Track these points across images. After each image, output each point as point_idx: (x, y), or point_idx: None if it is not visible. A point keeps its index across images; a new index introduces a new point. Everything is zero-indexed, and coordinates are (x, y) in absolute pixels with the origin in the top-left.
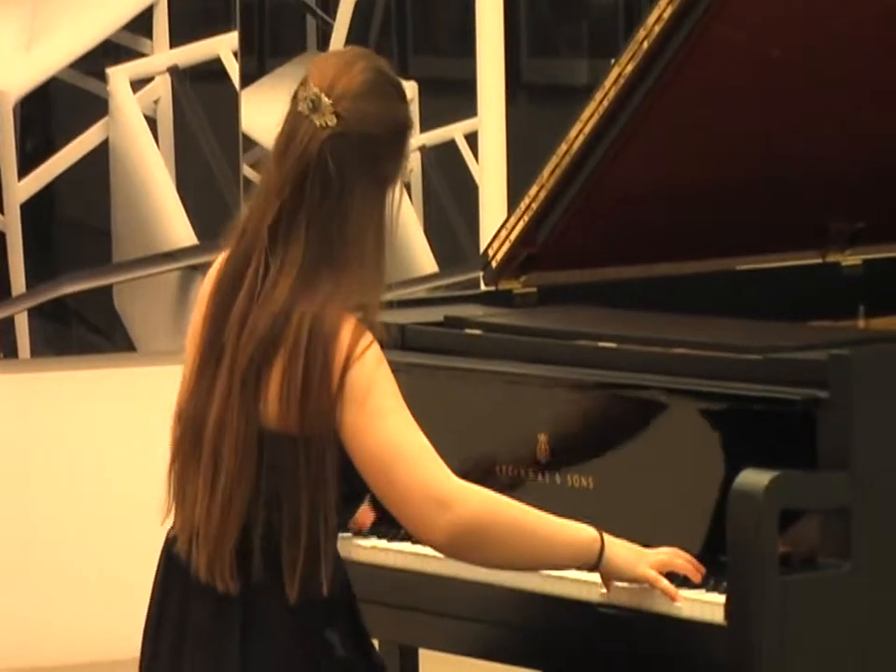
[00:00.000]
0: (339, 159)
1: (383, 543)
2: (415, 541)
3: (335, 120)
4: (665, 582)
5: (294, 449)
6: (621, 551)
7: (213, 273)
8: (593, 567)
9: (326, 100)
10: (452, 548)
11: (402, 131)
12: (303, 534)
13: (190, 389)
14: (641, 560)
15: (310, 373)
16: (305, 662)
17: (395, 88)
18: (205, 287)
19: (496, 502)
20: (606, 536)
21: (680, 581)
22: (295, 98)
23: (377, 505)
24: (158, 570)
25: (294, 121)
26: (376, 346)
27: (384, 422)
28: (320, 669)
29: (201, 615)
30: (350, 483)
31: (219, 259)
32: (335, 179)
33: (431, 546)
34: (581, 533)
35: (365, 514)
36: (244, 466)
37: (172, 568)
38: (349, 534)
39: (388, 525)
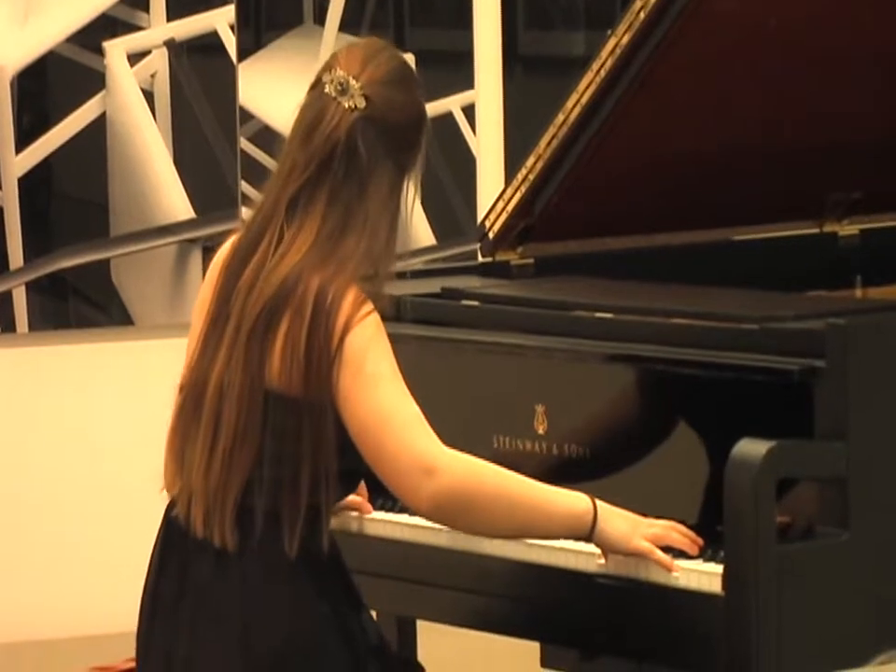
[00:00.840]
0: (367, 139)
1: (379, 515)
2: (412, 513)
3: (364, 103)
4: (659, 554)
5: (297, 411)
6: (616, 522)
7: (225, 248)
8: (586, 538)
9: (354, 83)
10: (437, 514)
11: (423, 123)
12: (304, 494)
13: (195, 358)
14: (636, 532)
15: (312, 337)
16: (302, 617)
17: (416, 81)
18: (216, 262)
19: (482, 469)
20: (601, 505)
21: (678, 551)
22: (318, 82)
23: (372, 484)
24: (157, 536)
25: (320, 103)
26: (376, 315)
27: (376, 388)
28: (316, 625)
29: (199, 573)
30: (346, 458)
31: (232, 238)
32: (362, 158)
33: (417, 512)
34: (573, 502)
35: (365, 504)
36: (247, 423)
37: (171, 532)
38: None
39: (384, 497)
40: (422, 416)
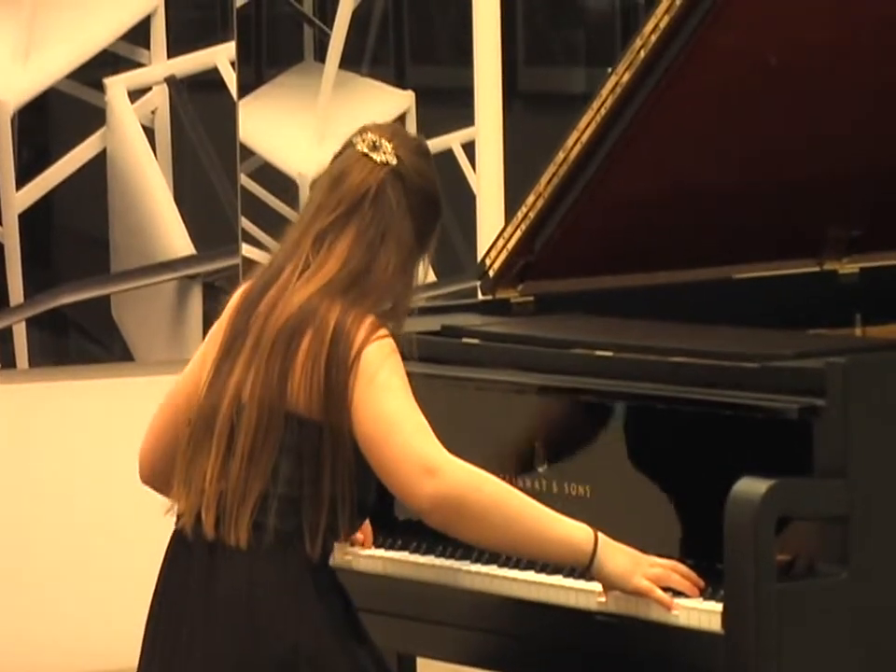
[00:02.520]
0: (396, 191)
1: (380, 552)
2: (412, 550)
3: (395, 161)
4: (659, 593)
5: (319, 435)
6: (617, 558)
7: (242, 288)
8: (585, 570)
9: (387, 144)
10: (435, 515)
11: (441, 204)
12: (324, 513)
13: (205, 389)
14: (637, 571)
15: (332, 356)
16: (308, 625)
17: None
18: (232, 302)
19: (483, 478)
20: (603, 538)
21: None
22: (350, 143)
23: (376, 521)
24: (164, 557)
25: (351, 158)
26: (391, 340)
27: (387, 395)
28: (322, 636)
29: (206, 575)
30: (359, 487)
31: (245, 284)
32: (391, 206)
33: (417, 512)
34: (573, 530)
35: (367, 534)
36: (267, 434)
37: (177, 547)
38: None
39: (385, 535)
40: (429, 428)
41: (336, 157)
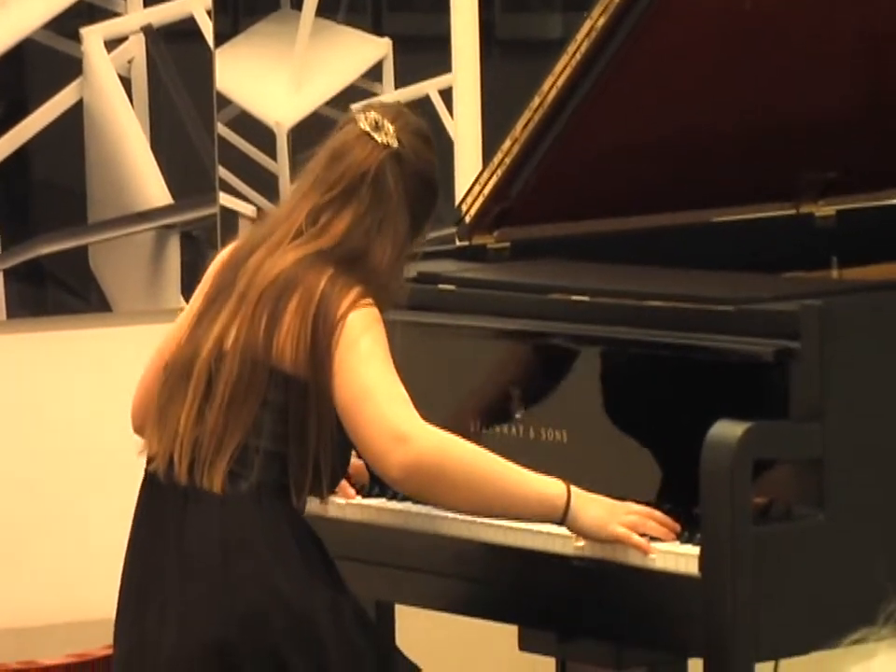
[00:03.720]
0: (395, 175)
1: (357, 499)
2: (390, 497)
3: (397, 144)
4: (636, 539)
5: (305, 393)
6: (591, 509)
7: (229, 247)
8: (560, 523)
9: (389, 125)
10: (406, 483)
11: (438, 190)
12: (310, 469)
13: (185, 336)
14: (613, 519)
15: (318, 319)
16: (285, 571)
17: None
18: (218, 258)
19: (454, 444)
20: (576, 491)
21: None
22: (351, 120)
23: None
24: (137, 502)
25: (352, 134)
26: (377, 311)
27: (367, 363)
28: (299, 583)
29: (179, 520)
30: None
31: (232, 244)
32: (390, 191)
33: (388, 480)
34: (545, 487)
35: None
36: (249, 384)
37: (150, 491)
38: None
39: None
40: (406, 396)
41: (338, 129)
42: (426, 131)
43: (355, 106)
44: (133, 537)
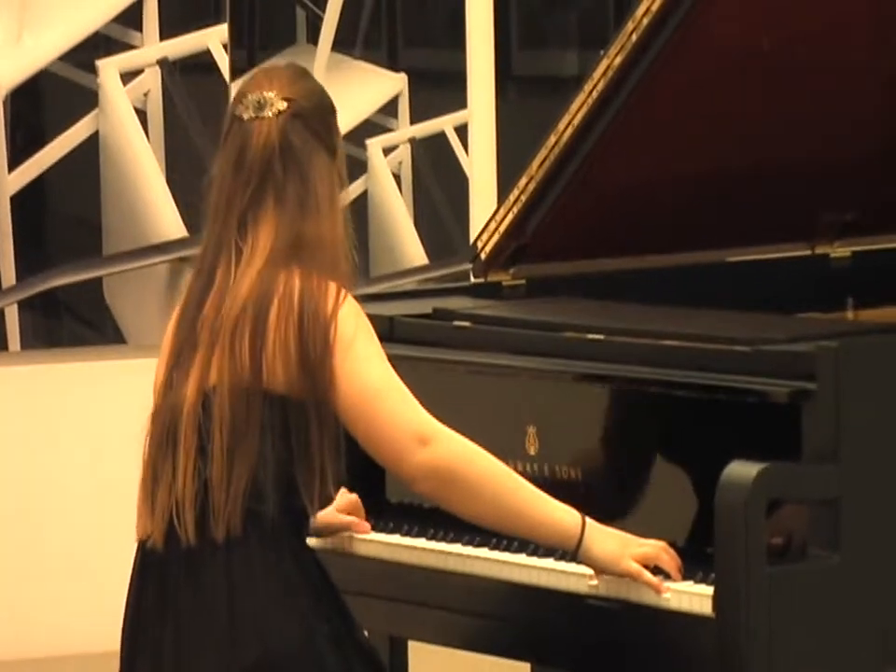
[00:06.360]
0: (297, 132)
1: (372, 535)
2: (404, 533)
3: (285, 104)
4: (648, 576)
5: (305, 413)
6: (605, 542)
7: (179, 303)
8: (573, 553)
9: (269, 94)
10: (425, 484)
11: (333, 105)
12: (317, 486)
13: (160, 394)
14: (626, 553)
15: (304, 326)
16: (293, 614)
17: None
18: (172, 317)
19: (477, 452)
20: (591, 524)
21: (665, 573)
22: (233, 116)
23: (367, 505)
24: (132, 575)
25: (242, 130)
26: (354, 300)
27: (369, 364)
28: (307, 625)
29: (181, 584)
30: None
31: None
32: (298, 149)
33: (402, 479)
34: (563, 514)
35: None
36: (247, 422)
37: (147, 565)
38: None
39: (377, 518)
40: (411, 394)
41: (225, 137)
42: (299, 68)
43: (230, 107)
44: (131, 617)
